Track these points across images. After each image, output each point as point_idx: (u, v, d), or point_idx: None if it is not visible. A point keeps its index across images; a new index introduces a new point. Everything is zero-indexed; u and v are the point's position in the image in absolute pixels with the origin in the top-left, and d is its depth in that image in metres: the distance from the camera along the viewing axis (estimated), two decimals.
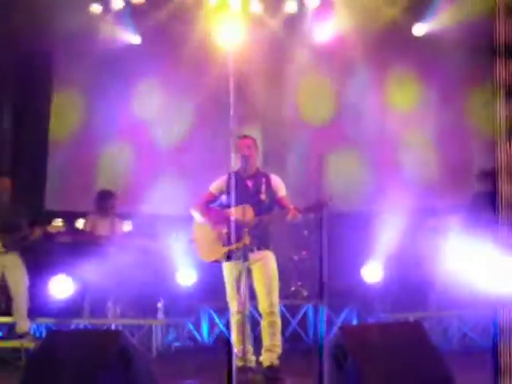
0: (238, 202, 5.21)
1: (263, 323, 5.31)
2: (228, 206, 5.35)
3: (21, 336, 6.78)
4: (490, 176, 7.58)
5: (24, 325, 6.86)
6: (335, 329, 6.10)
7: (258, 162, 5.71)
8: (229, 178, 5.40)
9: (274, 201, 5.45)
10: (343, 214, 8.40)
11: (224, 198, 5.46)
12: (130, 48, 9.25)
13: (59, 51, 9.22)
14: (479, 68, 8.24)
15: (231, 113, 4.11)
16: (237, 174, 5.41)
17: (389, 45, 8.83)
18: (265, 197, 5.38)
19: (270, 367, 5.21)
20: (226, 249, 5.29)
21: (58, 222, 6.71)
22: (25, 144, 8.86)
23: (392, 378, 3.19)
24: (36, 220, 7.14)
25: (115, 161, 9.29)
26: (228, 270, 5.36)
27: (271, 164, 8.41)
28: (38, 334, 7.27)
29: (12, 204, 7.09)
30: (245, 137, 5.54)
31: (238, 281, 5.14)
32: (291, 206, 5.25)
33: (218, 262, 5.42)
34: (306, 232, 8.37)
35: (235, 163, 5.41)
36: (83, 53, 8.88)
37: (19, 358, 6.51)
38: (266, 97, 9.28)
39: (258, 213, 5.28)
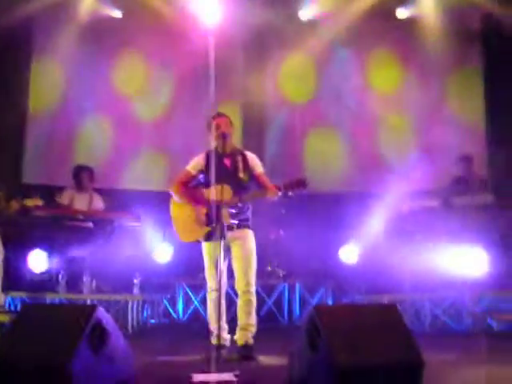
0: (217, 181, 5.17)
1: (239, 302, 5.29)
2: (206, 184, 5.33)
3: None
4: (469, 161, 7.65)
5: None
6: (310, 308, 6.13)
7: (233, 140, 5.68)
8: (206, 157, 5.39)
9: (253, 178, 5.42)
10: (322, 194, 8.44)
11: (202, 176, 5.42)
12: (111, 21, 9.16)
13: (39, 23, 9.10)
14: (460, 53, 8.28)
15: (209, 89, 4.08)
16: (214, 152, 5.38)
17: (371, 27, 8.83)
18: (243, 175, 5.34)
19: (245, 346, 5.20)
20: (205, 229, 5.26)
21: (36, 198, 6.63)
22: (3, 116, 8.74)
23: (364, 359, 3.21)
24: (13, 193, 7.06)
25: (94, 135, 9.21)
26: (207, 247, 5.32)
27: (250, 141, 8.41)
28: (12, 308, 7.22)
29: None
30: (221, 114, 5.50)
31: (216, 259, 5.12)
32: (270, 184, 5.24)
33: (197, 242, 5.40)
34: (283, 211, 8.37)
35: (211, 141, 5.39)
36: (63, 25, 8.79)
37: None
38: (247, 73, 9.24)
39: (237, 191, 5.23)
